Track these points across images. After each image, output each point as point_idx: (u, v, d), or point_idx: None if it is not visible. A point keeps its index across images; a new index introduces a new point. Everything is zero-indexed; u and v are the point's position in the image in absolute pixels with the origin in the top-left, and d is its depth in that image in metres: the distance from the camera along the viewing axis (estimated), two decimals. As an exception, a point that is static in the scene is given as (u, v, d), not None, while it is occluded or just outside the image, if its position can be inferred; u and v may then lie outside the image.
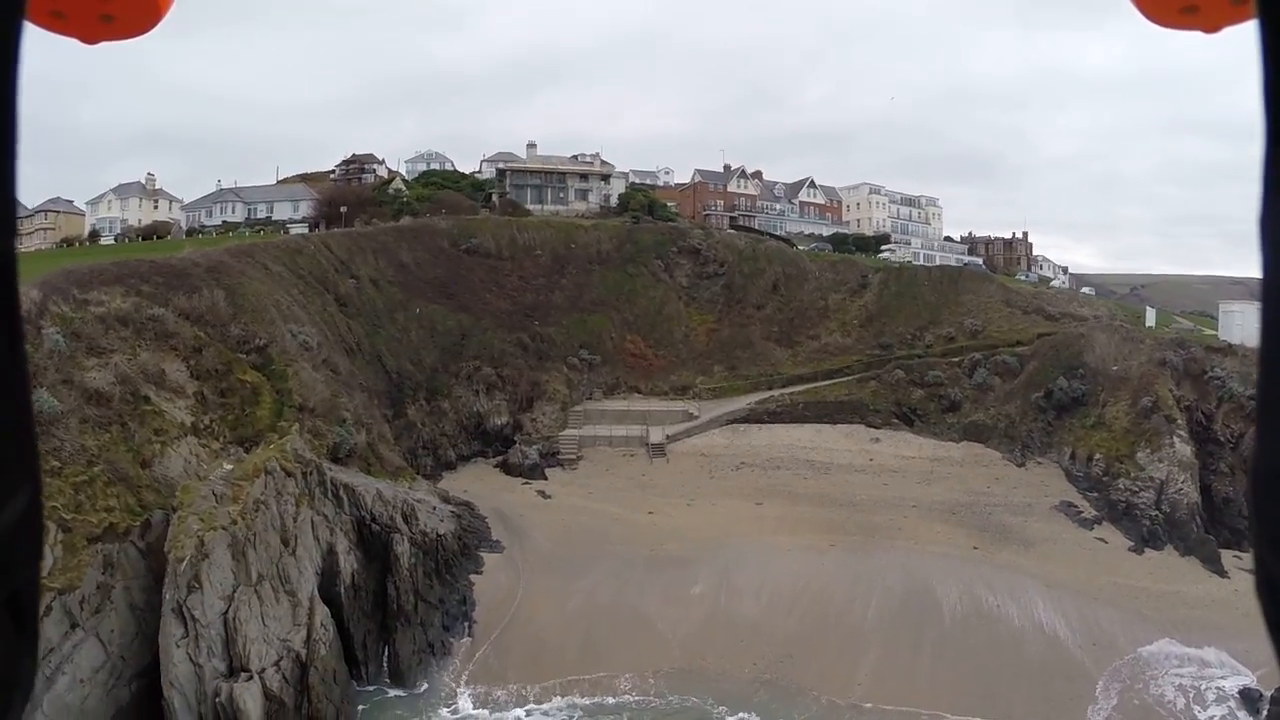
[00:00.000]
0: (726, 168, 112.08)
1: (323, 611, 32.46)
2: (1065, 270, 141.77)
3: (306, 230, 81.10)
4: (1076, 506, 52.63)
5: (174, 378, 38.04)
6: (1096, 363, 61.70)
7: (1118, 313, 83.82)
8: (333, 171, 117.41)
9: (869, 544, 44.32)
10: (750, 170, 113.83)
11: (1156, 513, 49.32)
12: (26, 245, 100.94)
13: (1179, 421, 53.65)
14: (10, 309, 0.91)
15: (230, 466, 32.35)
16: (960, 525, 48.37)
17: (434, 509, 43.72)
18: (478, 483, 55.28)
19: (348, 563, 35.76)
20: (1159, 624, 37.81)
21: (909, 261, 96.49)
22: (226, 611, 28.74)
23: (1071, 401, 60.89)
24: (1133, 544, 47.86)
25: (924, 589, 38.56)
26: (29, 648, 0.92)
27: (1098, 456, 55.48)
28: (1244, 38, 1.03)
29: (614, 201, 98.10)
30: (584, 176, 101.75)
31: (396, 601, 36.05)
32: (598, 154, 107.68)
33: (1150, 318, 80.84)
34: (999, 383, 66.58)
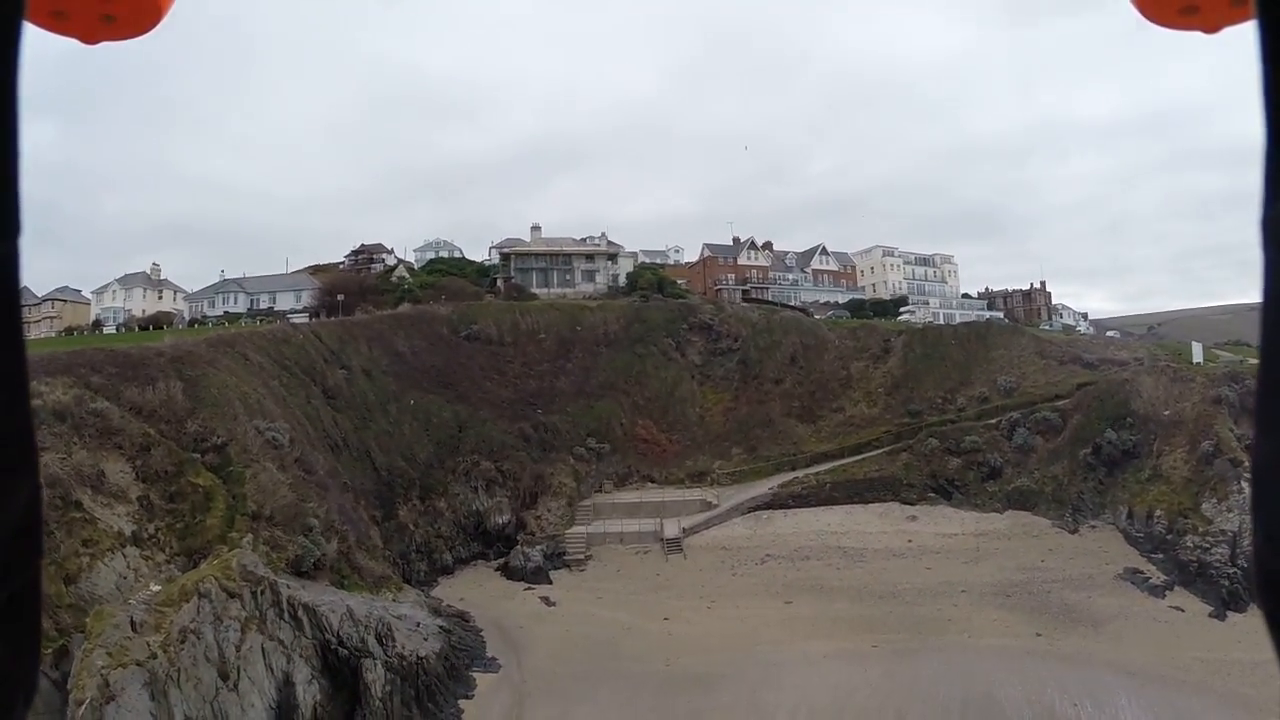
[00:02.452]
0: (736, 240, 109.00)
1: (271, 757, 27.36)
2: (1085, 316, 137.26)
3: (306, 320, 78.12)
4: (1143, 573, 47.35)
5: (115, 480, 33.81)
6: (1146, 409, 56.85)
7: (1158, 353, 78.31)
8: (342, 262, 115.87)
9: (916, 643, 38.58)
10: (760, 241, 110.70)
11: (1234, 570, 44.26)
12: (34, 333, 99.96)
13: (1245, 464, 48.23)
14: (10, 310, 0.93)
15: (158, 588, 27.73)
16: (1017, 609, 42.69)
17: (417, 625, 38.60)
18: (476, 589, 50.18)
19: (308, 694, 30.67)
20: (1261, 705, 31.80)
21: (930, 321, 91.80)
22: (142, 766, 23.77)
23: (1122, 455, 56.09)
24: (1213, 609, 42.79)
25: (985, 697, 32.56)
26: (32, 648, 0.93)
27: (1159, 513, 50.49)
28: (1244, 38, 1.03)
29: (622, 281, 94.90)
30: (590, 257, 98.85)
31: (365, 739, 30.81)
32: (604, 234, 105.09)
33: (1197, 353, 75.05)
34: (1041, 442, 61.52)
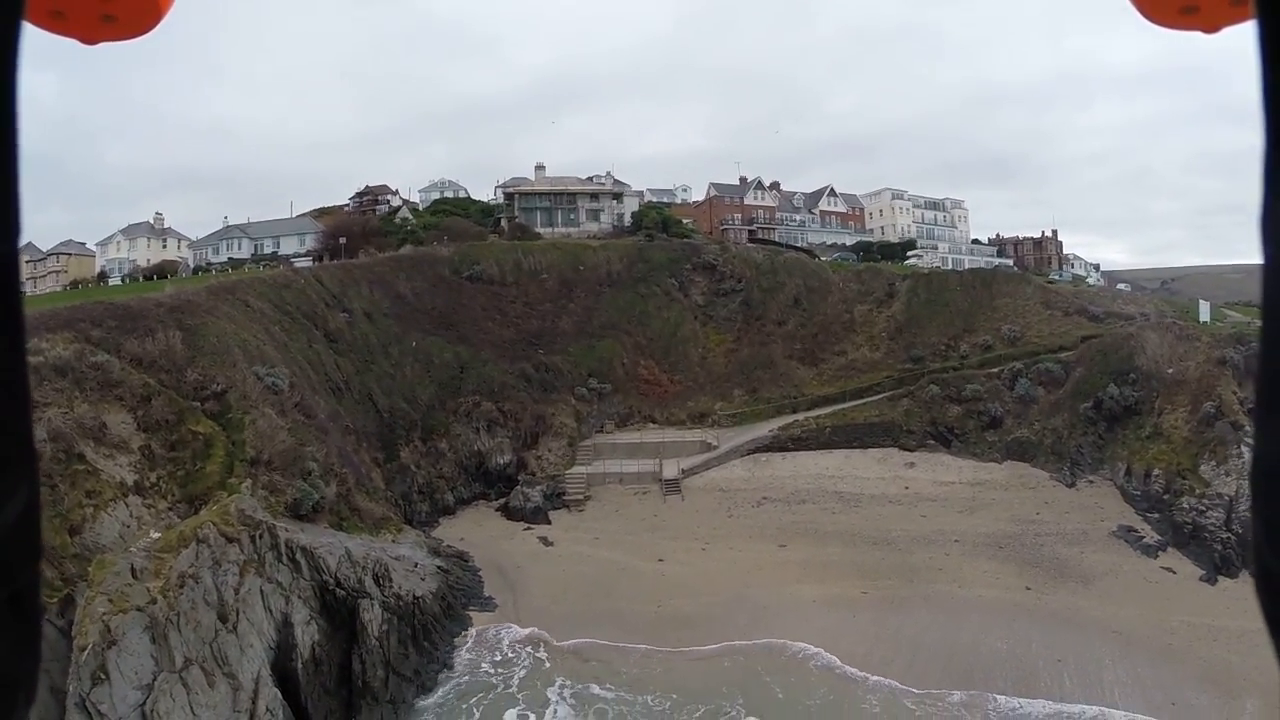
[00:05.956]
0: (743, 180, 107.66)
1: (269, 695, 28.23)
2: (1097, 267, 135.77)
3: (311, 264, 78.03)
4: (1137, 531, 47.26)
5: (117, 431, 34.26)
6: (1149, 366, 56.14)
7: (1166, 309, 77.62)
8: (347, 204, 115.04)
9: (906, 591, 39.14)
10: (768, 182, 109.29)
11: (1228, 534, 43.80)
12: (40, 288, 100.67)
13: (1246, 428, 47.97)
14: (11, 310, 0.93)
15: (158, 535, 28.34)
16: (1009, 561, 43.10)
17: (415, 566, 39.45)
18: (476, 529, 51.06)
19: (307, 634, 31.55)
20: (1245, 674, 32.15)
21: (937, 267, 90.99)
22: (144, 703, 24.59)
23: (1124, 411, 55.46)
24: (1204, 573, 42.58)
25: (970, 649, 33.11)
26: (31, 647, 0.94)
27: (1156, 472, 50.04)
28: (1244, 37, 1.05)
29: (627, 221, 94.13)
30: (594, 196, 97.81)
31: (362, 677, 31.80)
32: (609, 173, 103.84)
33: (1204, 312, 74.25)
34: (1043, 394, 61.13)
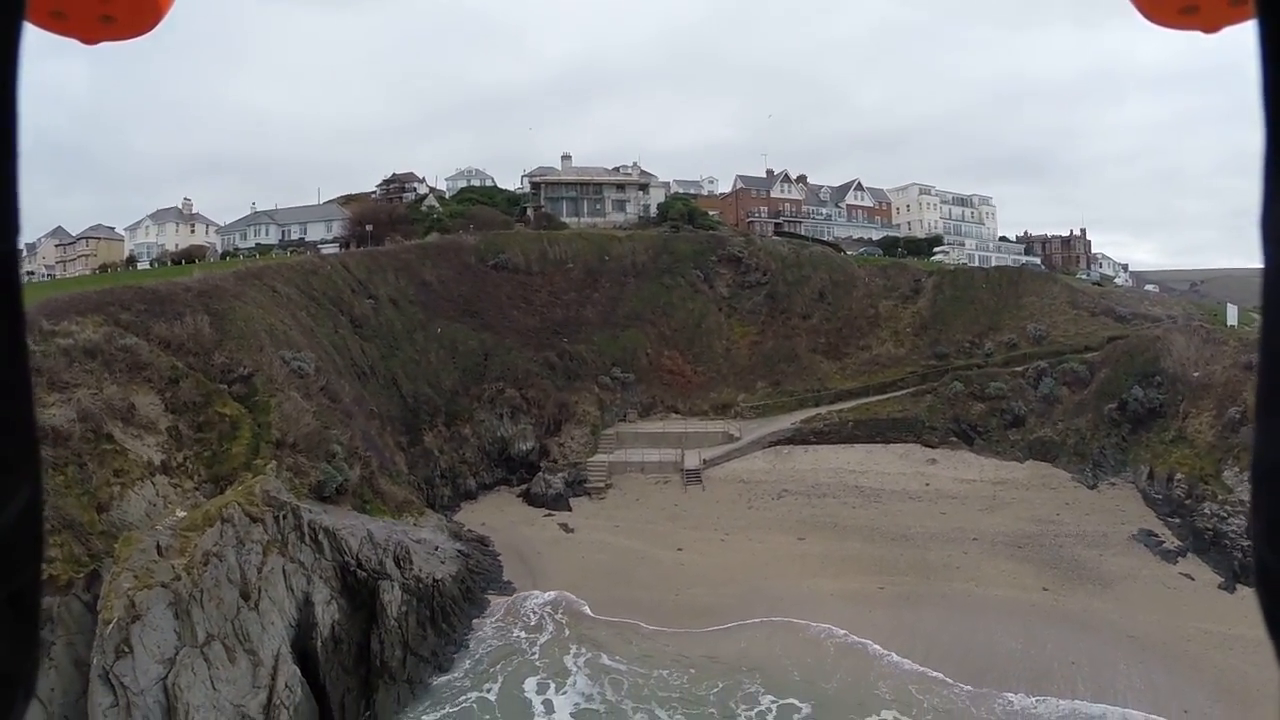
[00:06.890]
0: (769, 173, 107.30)
1: (289, 671, 28.77)
2: (1126, 268, 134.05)
3: (337, 250, 78.86)
4: (1157, 536, 46.65)
5: (145, 412, 34.93)
6: (1175, 369, 55.34)
7: (1194, 311, 76.45)
8: (374, 191, 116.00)
9: (923, 588, 39.00)
10: (794, 175, 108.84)
11: (1249, 542, 42.59)
12: (70, 271, 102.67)
13: (1270, 434, 47.11)
14: (12, 310, 0.93)
15: (184, 514, 28.94)
16: (1027, 561, 42.81)
17: (436, 549, 39.94)
18: (498, 514, 51.54)
19: (327, 613, 32.09)
20: (1259, 685, 31.63)
21: (964, 263, 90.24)
22: (166, 677, 25.22)
23: (1148, 413, 54.82)
24: (1223, 580, 41.70)
25: (985, 648, 33.03)
26: (31, 646, 0.94)
27: (1179, 476, 49.33)
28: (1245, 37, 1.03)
29: (653, 212, 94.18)
30: (621, 187, 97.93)
31: (380, 656, 32.30)
32: (636, 164, 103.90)
33: (1232, 315, 73.13)
34: (1067, 393, 60.57)
